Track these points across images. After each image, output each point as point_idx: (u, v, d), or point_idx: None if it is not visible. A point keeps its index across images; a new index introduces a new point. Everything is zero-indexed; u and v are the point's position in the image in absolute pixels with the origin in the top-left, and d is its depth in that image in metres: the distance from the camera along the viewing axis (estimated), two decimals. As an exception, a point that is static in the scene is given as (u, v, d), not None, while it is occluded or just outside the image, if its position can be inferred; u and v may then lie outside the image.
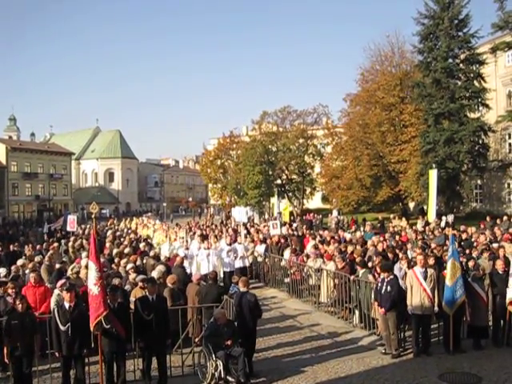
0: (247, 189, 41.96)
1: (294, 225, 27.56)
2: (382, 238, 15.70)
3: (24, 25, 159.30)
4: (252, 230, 23.38)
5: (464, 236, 16.84)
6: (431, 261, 10.13)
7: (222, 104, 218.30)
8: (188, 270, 13.86)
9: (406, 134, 32.24)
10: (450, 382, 7.83)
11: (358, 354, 9.39)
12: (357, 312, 11.29)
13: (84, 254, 14.31)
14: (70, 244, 18.66)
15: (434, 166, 25.06)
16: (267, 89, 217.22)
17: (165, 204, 70.05)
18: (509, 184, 34.07)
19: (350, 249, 14.13)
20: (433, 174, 23.17)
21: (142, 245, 18.14)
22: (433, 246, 14.24)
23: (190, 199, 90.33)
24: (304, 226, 25.97)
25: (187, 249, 15.56)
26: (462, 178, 29.36)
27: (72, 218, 25.42)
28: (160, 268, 11.31)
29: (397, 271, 10.37)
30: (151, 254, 15.25)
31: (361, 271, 11.16)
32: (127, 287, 10.19)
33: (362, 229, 22.59)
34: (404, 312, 9.35)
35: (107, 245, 17.07)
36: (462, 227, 18.89)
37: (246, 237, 18.15)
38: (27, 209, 66.86)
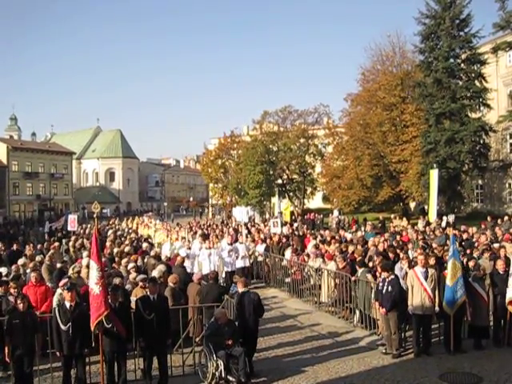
0: (248, 188, 41.97)
1: (295, 224, 27.55)
2: (382, 238, 15.69)
3: (24, 24, 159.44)
4: (253, 230, 23.38)
5: (465, 236, 16.83)
6: (432, 261, 10.12)
7: (222, 104, 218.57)
8: (190, 270, 13.86)
9: (406, 134, 32.21)
10: (451, 382, 7.83)
11: (359, 354, 9.40)
12: (357, 312, 11.30)
13: (85, 253, 14.32)
14: (71, 243, 18.68)
15: (434, 165, 25.04)
16: (268, 89, 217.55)
17: (165, 204, 70.20)
18: (510, 184, 34.04)
19: (350, 249, 14.14)
20: (434, 174, 23.15)
21: (144, 245, 18.14)
22: (434, 245, 14.24)
23: (191, 199, 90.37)
24: (305, 226, 25.98)
25: (189, 248, 15.54)
26: (463, 178, 29.35)
27: (72, 218, 25.45)
28: (160, 268, 11.32)
29: (398, 271, 10.37)
30: (152, 253, 15.26)
31: (359, 270, 11.18)
32: (127, 287, 10.20)
33: (362, 229, 22.57)
34: (405, 312, 9.35)
35: (107, 244, 17.06)
36: (463, 227, 18.89)
37: (246, 236, 18.15)
38: (28, 208, 66.86)
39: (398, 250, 12.86)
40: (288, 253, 16.04)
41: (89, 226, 31.12)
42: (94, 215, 8.09)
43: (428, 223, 22.51)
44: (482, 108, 29.94)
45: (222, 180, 50.97)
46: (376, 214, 35.34)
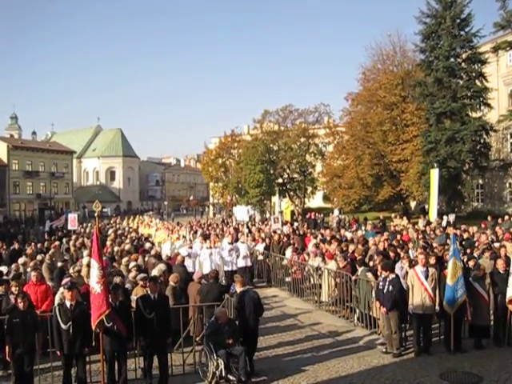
0: (248, 188, 41.97)
1: (296, 224, 27.54)
2: (383, 237, 15.69)
3: (25, 24, 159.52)
4: (253, 229, 23.38)
5: (465, 235, 16.84)
6: (432, 260, 10.12)
7: (223, 103, 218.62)
8: (191, 269, 13.84)
9: (407, 133, 32.18)
10: (451, 382, 7.83)
11: (359, 353, 9.40)
12: (358, 311, 11.30)
13: (85, 252, 14.33)
14: (72, 242, 18.70)
15: (435, 165, 25.02)
16: (268, 88, 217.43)
17: (166, 203, 70.16)
18: (510, 183, 34.05)
19: (351, 248, 14.13)
20: (434, 174, 23.14)
21: (147, 245, 18.12)
22: (434, 245, 14.24)
23: (191, 198, 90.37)
24: (305, 225, 25.98)
25: (190, 247, 15.53)
26: (464, 178, 29.33)
27: (72, 217, 25.50)
28: (160, 267, 11.33)
29: (398, 270, 10.36)
30: (152, 252, 15.26)
31: (360, 269, 11.18)
32: (127, 286, 10.19)
33: (363, 228, 22.58)
34: (405, 311, 9.36)
35: (108, 243, 17.06)
36: (464, 227, 18.90)
37: (247, 236, 18.14)
38: (28, 207, 66.89)
39: (399, 250, 12.87)
40: (289, 252, 16.03)
41: (89, 224, 31.16)
42: (95, 214, 8.04)
43: (428, 222, 22.51)
44: (482, 107, 29.87)
45: (223, 179, 50.97)
46: (376, 214, 35.34)
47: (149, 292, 8.27)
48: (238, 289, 8.95)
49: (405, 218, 27.12)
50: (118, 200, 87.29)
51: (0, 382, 8.27)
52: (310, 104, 61.79)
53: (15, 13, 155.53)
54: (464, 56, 29.36)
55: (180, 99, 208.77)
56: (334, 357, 9.23)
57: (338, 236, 18.79)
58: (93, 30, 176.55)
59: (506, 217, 21.77)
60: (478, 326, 9.40)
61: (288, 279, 15.45)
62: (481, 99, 29.12)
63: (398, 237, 16.75)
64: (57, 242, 18.38)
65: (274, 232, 20.91)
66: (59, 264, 12.73)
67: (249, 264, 16.41)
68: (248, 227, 22.01)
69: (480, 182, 34.12)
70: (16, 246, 18.23)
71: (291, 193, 48.06)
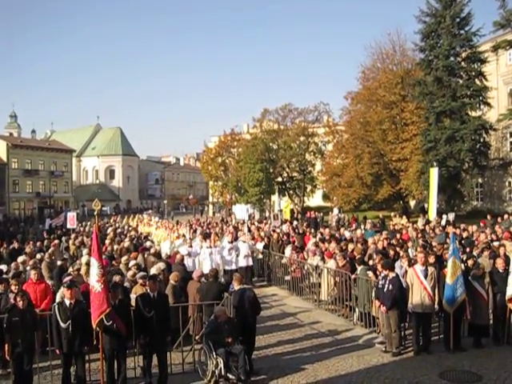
0: (248, 186, 41.98)
1: (295, 223, 27.53)
2: (382, 236, 15.69)
3: (25, 23, 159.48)
4: (253, 228, 23.36)
5: (465, 234, 16.83)
6: (432, 259, 10.13)
7: (222, 102, 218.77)
8: (191, 268, 13.81)
9: (407, 132, 32.16)
10: (451, 380, 7.83)
11: (359, 352, 9.40)
12: (357, 310, 11.31)
13: (85, 251, 14.32)
14: (71, 241, 18.69)
15: (434, 164, 25.00)
16: (268, 87, 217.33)
17: (165, 201, 70.10)
18: (510, 182, 34.05)
19: (350, 247, 14.13)
20: (434, 173, 23.14)
21: (148, 243, 18.10)
22: (433, 244, 14.23)
23: (191, 196, 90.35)
24: (305, 224, 25.97)
25: (190, 246, 15.51)
26: (463, 177, 29.32)
27: (72, 215, 25.48)
28: (159, 265, 11.32)
29: (397, 269, 10.35)
30: (152, 251, 15.25)
31: (359, 268, 11.19)
32: (126, 284, 10.18)
33: (362, 227, 22.58)
34: (405, 310, 9.36)
35: (106, 242, 17.05)
36: (463, 225, 18.88)
37: (243, 234, 18.12)
38: (28, 206, 66.91)
39: (398, 249, 12.87)
40: (288, 250, 16.01)
41: (88, 223, 31.13)
42: (95, 213, 8.03)
43: (428, 221, 22.50)
44: (482, 106, 29.89)
45: (222, 178, 50.96)
46: (376, 212, 35.37)
47: (148, 290, 8.27)
48: (236, 287, 8.96)
49: (404, 216, 27.15)
50: (118, 199, 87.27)
51: (0, 381, 8.27)
52: (310, 103, 61.89)
53: (15, 12, 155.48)
54: (464, 55, 29.35)
55: (180, 98, 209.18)
56: (333, 355, 9.24)
57: (337, 235, 18.81)
58: (92, 29, 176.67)
59: (506, 216, 21.76)
60: (477, 325, 9.40)
61: (287, 278, 15.45)
62: (480, 98, 29.11)
63: (398, 236, 16.74)
64: (56, 241, 18.33)
65: (274, 231, 20.90)
66: (59, 263, 12.72)
67: (250, 263, 16.39)
68: (248, 226, 22.00)
69: (479, 180, 34.12)
70: (15, 244, 18.23)
71: (291, 191, 48.05)
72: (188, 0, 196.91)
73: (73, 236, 20.56)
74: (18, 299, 7.67)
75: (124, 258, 12.94)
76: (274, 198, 41.03)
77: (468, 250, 12.81)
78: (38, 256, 13.76)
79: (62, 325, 7.38)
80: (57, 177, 72.52)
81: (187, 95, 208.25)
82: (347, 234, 18.80)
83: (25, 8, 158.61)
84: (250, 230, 20.82)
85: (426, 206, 28.87)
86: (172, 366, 8.47)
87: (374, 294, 9.97)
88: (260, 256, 17.68)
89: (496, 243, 13.34)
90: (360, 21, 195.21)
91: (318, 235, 18.57)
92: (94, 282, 7.26)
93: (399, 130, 33.24)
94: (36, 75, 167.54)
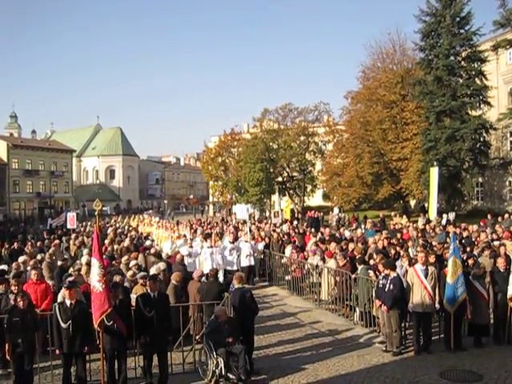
0: (248, 186, 41.96)
1: (295, 222, 27.50)
2: (383, 236, 15.67)
3: (25, 22, 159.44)
4: (253, 228, 23.35)
5: (465, 234, 16.83)
6: (432, 258, 10.13)
7: (222, 101, 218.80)
8: (192, 269, 13.80)
9: (407, 132, 32.15)
10: (451, 380, 7.83)
11: (359, 352, 9.40)
12: (357, 309, 11.31)
13: (85, 251, 14.32)
14: (72, 241, 18.68)
15: (435, 163, 25.01)
16: (268, 86, 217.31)
17: (166, 201, 70.10)
18: (510, 182, 34.03)
19: (351, 246, 14.13)
20: (434, 172, 23.15)
21: (147, 242, 18.10)
22: (434, 243, 14.23)
23: (191, 196, 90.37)
24: (305, 224, 25.94)
25: (191, 247, 15.50)
26: (463, 176, 29.30)
27: (71, 216, 25.48)
28: (160, 265, 11.31)
29: (398, 269, 10.35)
30: (152, 251, 15.25)
31: (359, 268, 11.19)
32: (125, 284, 10.17)
33: (362, 226, 22.57)
34: (405, 310, 9.36)
35: (106, 242, 17.03)
36: (463, 225, 18.88)
37: (245, 234, 18.10)
38: (28, 206, 66.95)
39: (398, 248, 12.87)
40: (288, 250, 16.00)
41: (89, 223, 31.14)
42: (96, 213, 8.04)
43: (428, 221, 22.50)
44: (482, 106, 29.87)
45: (223, 178, 50.92)
46: (376, 212, 35.35)
47: (149, 290, 8.27)
48: (235, 285, 8.96)
49: (404, 216, 27.13)
50: (118, 199, 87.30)
51: (0, 381, 8.27)
52: (310, 102, 61.66)
53: (15, 11, 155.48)
54: (464, 54, 29.34)
55: (180, 98, 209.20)
56: (333, 355, 9.24)
57: (337, 234, 18.81)
58: (93, 29, 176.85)
59: (506, 215, 21.77)
60: (477, 325, 9.40)
61: (288, 277, 15.44)
62: (480, 97, 29.13)
63: (398, 235, 16.74)
64: (57, 241, 18.34)
65: (274, 230, 20.89)
66: (59, 263, 12.72)
67: (252, 263, 16.38)
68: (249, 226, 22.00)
69: (480, 180, 34.09)
70: (16, 244, 18.22)
71: (291, 191, 48.04)
72: (188, 0, 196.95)
73: (73, 236, 20.55)
74: (19, 299, 7.67)
75: (124, 258, 12.94)
76: (275, 197, 40.97)
77: (468, 249, 12.81)
78: (39, 257, 13.74)
79: (62, 325, 7.38)
80: (57, 177, 72.54)
81: (187, 95, 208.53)
82: (347, 234, 18.78)
83: (25, 7, 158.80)
84: (250, 230, 20.83)
85: (426, 205, 28.85)
86: (172, 365, 8.47)
87: (374, 294, 9.97)
88: (260, 256, 17.66)
89: (496, 243, 13.35)
90: (360, 20, 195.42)
91: (319, 235, 18.56)
92: (95, 282, 7.26)
93: (399, 130, 33.23)
94: (36, 75, 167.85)
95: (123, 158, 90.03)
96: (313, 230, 20.89)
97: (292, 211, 36.24)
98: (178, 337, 8.78)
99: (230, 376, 7.81)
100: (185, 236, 18.60)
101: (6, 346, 7.58)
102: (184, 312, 9.06)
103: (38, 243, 18.72)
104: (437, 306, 9.40)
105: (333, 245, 14.49)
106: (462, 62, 29.46)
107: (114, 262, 12.98)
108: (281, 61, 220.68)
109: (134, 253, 14.36)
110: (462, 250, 11.90)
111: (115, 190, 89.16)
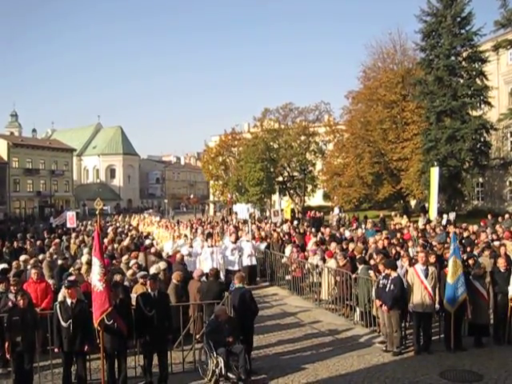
0: (248, 186, 41.93)
1: (295, 222, 27.50)
2: (383, 236, 15.68)
3: (25, 22, 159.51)
4: (253, 227, 23.32)
5: (465, 234, 16.82)
6: (432, 258, 10.13)
7: (223, 101, 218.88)
8: (192, 268, 13.78)
9: (407, 132, 32.13)
10: (451, 380, 7.83)
11: (359, 352, 9.40)
12: (358, 309, 11.31)
13: (85, 250, 14.31)
14: (72, 240, 18.68)
15: (435, 163, 25.02)
16: (269, 86, 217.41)
17: (166, 201, 70.07)
18: (510, 182, 34.03)
19: (351, 246, 14.12)
20: (434, 172, 23.14)
21: (148, 242, 18.08)
22: (434, 243, 14.23)
23: (192, 196, 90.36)
24: (305, 224, 25.93)
25: (191, 246, 15.49)
26: (464, 176, 29.29)
27: (71, 215, 25.53)
28: (160, 265, 11.31)
29: (398, 269, 10.36)
30: (152, 250, 15.25)
31: (360, 267, 11.18)
32: (125, 283, 10.17)
33: (363, 226, 22.57)
34: (405, 310, 9.36)
35: (105, 241, 17.02)
36: (464, 225, 18.88)
37: (246, 234, 18.09)
38: (28, 205, 67.01)
39: (399, 248, 12.87)
40: (288, 250, 16.00)
41: (89, 222, 31.17)
42: (97, 212, 8.05)
43: (428, 221, 22.51)
44: (482, 106, 29.88)
45: (223, 177, 50.88)
46: (376, 212, 35.34)
47: (149, 290, 8.27)
48: (236, 285, 8.96)
49: (405, 216, 27.13)
50: (118, 198, 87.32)
51: (0, 380, 8.27)
52: (311, 102, 61.81)
53: (16, 11, 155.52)
54: (464, 54, 29.34)
55: (180, 97, 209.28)
56: (333, 355, 9.23)
57: (337, 234, 18.80)
58: (93, 28, 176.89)
59: (506, 215, 21.75)
60: (477, 325, 9.40)
61: (288, 277, 15.44)
62: (481, 98, 29.11)
63: (398, 235, 16.74)
64: (57, 240, 18.34)
65: (274, 230, 20.89)
66: (59, 262, 12.71)
67: (254, 263, 16.37)
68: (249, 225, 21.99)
69: (480, 180, 34.10)
70: (16, 243, 18.22)
71: (291, 191, 48.01)
72: (188, 0, 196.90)
73: (73, 235, 20.56)
74: (19, 298, 7.67)
75: (125, 258, 12.95)
76: (275, 197, 40.94)
77: (469, 249, 12.81)
78: (41, 257, 13.73)
79: (63, 324, 7.38)
80: (57, 176, 72.59)
81: (188, 94, 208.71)
82: (348, 234, 18.79)
83: (25, 7, 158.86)
84: (251, 230, 20.83)
85: (426, 205, 28.81)
86: (172, 365, 8.47)
87: (374, 294, 9.96)
88: (262, 255, 17.65)
89: (496, 243, 13.33)
90: (361, 20, 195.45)
91: (319, 235, 18.55)
92: (96, 281, 7.25)
93: (400, 130, 33.21)
94: (37, 74, 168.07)
95: (124, 158, 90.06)
96: (313, 229, 20.89)
97: (292, 211, 36.26)
98: (178, 336, 8.78)
99: (230, 375, 7.81)
100: (185, 236, 18.59)
101: (6, 344, 7.58)
102: (184, 311, 9.06)
103: (38, 242, 18.72)
104: (437, 306, 9.40)
105: (333, 245, 14.50)
106: (463, 62, 29.45)
107: (114, 262, 12.99)
108: (281, 60, 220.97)
109: (135, 252, 14.35)
110: (463, 250, 11.90)
111: (115, 189, 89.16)
